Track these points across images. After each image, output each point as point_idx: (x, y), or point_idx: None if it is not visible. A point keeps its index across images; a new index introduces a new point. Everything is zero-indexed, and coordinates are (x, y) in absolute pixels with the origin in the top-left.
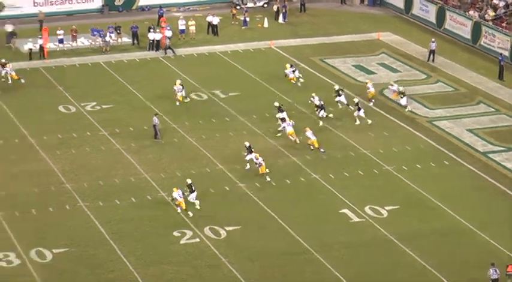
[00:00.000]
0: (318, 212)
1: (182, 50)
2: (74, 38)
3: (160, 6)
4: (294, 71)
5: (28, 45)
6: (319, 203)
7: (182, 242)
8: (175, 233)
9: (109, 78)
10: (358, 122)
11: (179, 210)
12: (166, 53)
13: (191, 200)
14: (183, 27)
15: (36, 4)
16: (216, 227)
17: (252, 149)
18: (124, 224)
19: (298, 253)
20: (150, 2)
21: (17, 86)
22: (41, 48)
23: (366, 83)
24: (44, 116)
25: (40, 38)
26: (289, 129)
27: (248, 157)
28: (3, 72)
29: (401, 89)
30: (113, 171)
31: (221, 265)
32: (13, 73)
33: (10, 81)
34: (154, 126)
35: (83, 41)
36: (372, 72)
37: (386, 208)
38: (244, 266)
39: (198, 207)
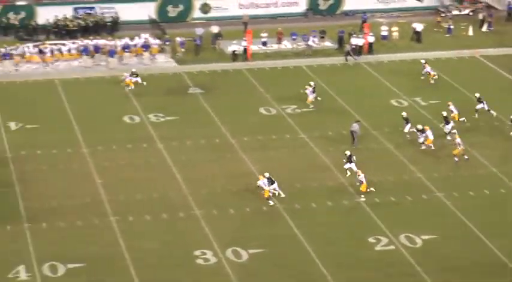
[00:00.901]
0: None
1: (384, 56)
2: (279, 41)
3: (364, 12)
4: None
5: (232, 47)
6: None
7: (377, 248)
8: (371, 239)
9: (308, 82)
10: None
11: (271, 203)
12: (356, 59)
13: (274, 191)
14: (386, 33)
15: (241, 6)
16: (411, 235)
17: (352, 159)
18: (319, 227)
19: (495, 266)
20: (354, 7)
21: (220, 86)
22: (245, 50)
23: None
24: (245, 117)
25: (244, 40)
26: (431, 137)
27: (347, 166)
28: (134, 80)
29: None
30: (310, 175)
31: (415, 274)
32: (133, 79)
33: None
34: (352, 132)
35: (286, 44)
36: None
37: None
38: (439, 276)
39: (282, 195)
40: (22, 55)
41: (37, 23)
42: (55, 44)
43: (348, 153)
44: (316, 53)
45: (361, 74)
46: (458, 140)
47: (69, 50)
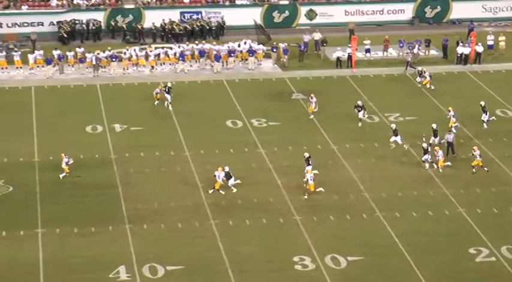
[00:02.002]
0: None
1: (490, 65)
2: (386, 48)
3: (471, 21)
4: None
5: (337, 54)
6: None
7: (478, 259)
8: (471, 250)
9: (413, 91)
10: None
11: (211, 191)
12: (406, 70)
13: (230, 185)
14: (492, 42)
15: (347, 13)
16: None
17: (310, 161)
18: (419, 236)
19: None
20: (461, 16)
21: (323, 92)
22: (349, 57)
23: None
24: (347, 124)
25: (349, 47)
26: (441, 158)
27: (308, 168)
28: (169, 96)
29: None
30: (412, 183)
31: None
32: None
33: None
34: (447, 142)
35: (391, 52)
36: None
37: None
38: None
39: (234, 190)
40: (129, 58)
41: (143, 27)
42: (162, 48)
43: (306, 155)
44: (422, 61)
45: (466, 83)
46: (477, 152)
47: (175, 54)
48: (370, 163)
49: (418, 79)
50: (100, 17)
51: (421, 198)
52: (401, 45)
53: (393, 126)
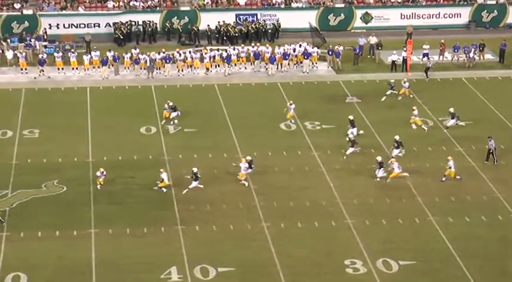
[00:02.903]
0: None
1: None
2: (442, 52)
3: None
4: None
5: (392, 57)
6: None
7: None
8: None
9: (469, 95)
10: None
11: (164, 190)
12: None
13: (190, 187)
14: None
15: (403, 17)
16: None
17: (253, 165)
18: (472, 242)
19: None
20: None
21: (377, 96)
22: (404, 60)
23: None
24: (401, 128)
25: (404, 51)
26: (397, 170)
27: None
28: (174, 114)
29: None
30: (465, 188)
31: None
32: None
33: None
34: (489, 150)
35: (446, 56)
36: None
37: None
38: None
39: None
40: (184, 60)
41: (198, 29)
42: (217, 50)
43: (248, 158)
44: (477, 65)
45: None
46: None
47: (229, 56)
48: (423, 167)
49: (389, 92)
50: (156, 18)
51: (474, 203)
52: (455, 50)
53: (351, 136)
